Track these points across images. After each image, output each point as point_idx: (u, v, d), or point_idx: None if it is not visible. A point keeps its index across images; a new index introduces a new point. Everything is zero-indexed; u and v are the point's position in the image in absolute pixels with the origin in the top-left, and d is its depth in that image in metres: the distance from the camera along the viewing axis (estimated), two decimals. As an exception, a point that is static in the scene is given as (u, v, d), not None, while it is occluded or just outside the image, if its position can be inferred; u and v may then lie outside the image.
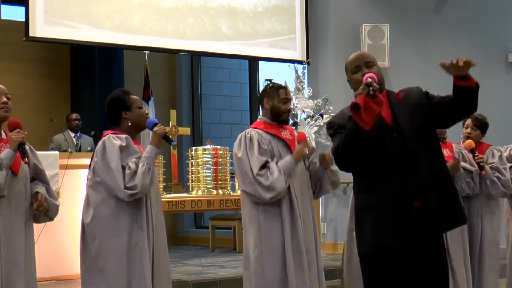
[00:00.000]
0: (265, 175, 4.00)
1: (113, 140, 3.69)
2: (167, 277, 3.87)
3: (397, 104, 3.08)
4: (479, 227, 5.29)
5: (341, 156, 3.04)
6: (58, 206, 3.71)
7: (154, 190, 3.87)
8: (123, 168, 3.64)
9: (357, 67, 3.11)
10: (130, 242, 3.67)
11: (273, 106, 4.22)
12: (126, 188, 3.62)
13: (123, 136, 3.74)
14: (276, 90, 4.25)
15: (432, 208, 2.95)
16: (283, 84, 4.40)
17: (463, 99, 2.94)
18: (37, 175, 3.69)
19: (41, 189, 3.63)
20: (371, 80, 2.89)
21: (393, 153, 2.97)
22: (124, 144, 3.69)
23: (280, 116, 4.22)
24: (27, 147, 3.53)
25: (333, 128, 3.12)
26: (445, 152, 5.10)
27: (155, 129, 3.79)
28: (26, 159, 3.44)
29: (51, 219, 3.72)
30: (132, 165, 3.64)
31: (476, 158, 5.11)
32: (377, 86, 2.88)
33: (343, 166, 3.12)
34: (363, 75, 3.00)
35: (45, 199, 3.59)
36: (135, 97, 3.90)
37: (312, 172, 4.31)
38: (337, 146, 3.03)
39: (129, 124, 3.82)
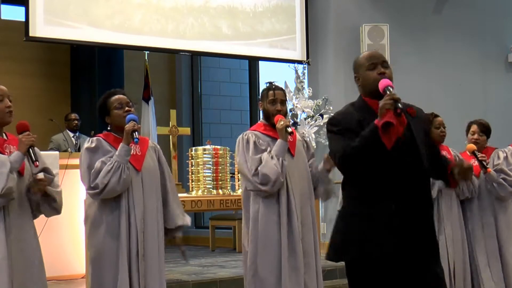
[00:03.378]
0: (259, 172, 4.02)
1: (85, 144, 3.79)
2: (159, 277, 3.82)
3: (414, 124, 3.02)
4: (493, 228, 5.22)
5: (349, 162, 2.94)
6: (60, 192, 3.66)
7: (150, 187, 3.83)
8: (91, 169, 3.69)
9: (374, 64, 3.02)
10: (101, 246, 3.72)
11: (264, 108, 4.24)
12: (89, 188, 3.68)
13: (95, 138, 3.80)
14: (265, 92, 4.26)
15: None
16: (279, 85, 4.37)
17: (443, 178, 3.25)
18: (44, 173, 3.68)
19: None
20: (397, 96, 2.82)
21: (409, 172, 2.93)
22: (92, 146, 3.75)
23: (270, 118, 4.21)
24: (36, 149, 3.49)
25: (337, 127, 3.00)
26: (443, 153, 5.10)
27: (125, 126, 3.71)
28: (37, 162, 3.42)
29: (58, 211, 3.67)
30: (98, 164, 3.67)
31: (479, 156, 5.08)
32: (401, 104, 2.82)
33: (347, 171, 3.02)
34: (379, 74, 2.96)
35: (44, 179, 3.54)
36: (115, 97, 3.84)
37: (312, 172, 4.32)
38: (345, 152, 2.91)
39: (114, 126, 3.84)
